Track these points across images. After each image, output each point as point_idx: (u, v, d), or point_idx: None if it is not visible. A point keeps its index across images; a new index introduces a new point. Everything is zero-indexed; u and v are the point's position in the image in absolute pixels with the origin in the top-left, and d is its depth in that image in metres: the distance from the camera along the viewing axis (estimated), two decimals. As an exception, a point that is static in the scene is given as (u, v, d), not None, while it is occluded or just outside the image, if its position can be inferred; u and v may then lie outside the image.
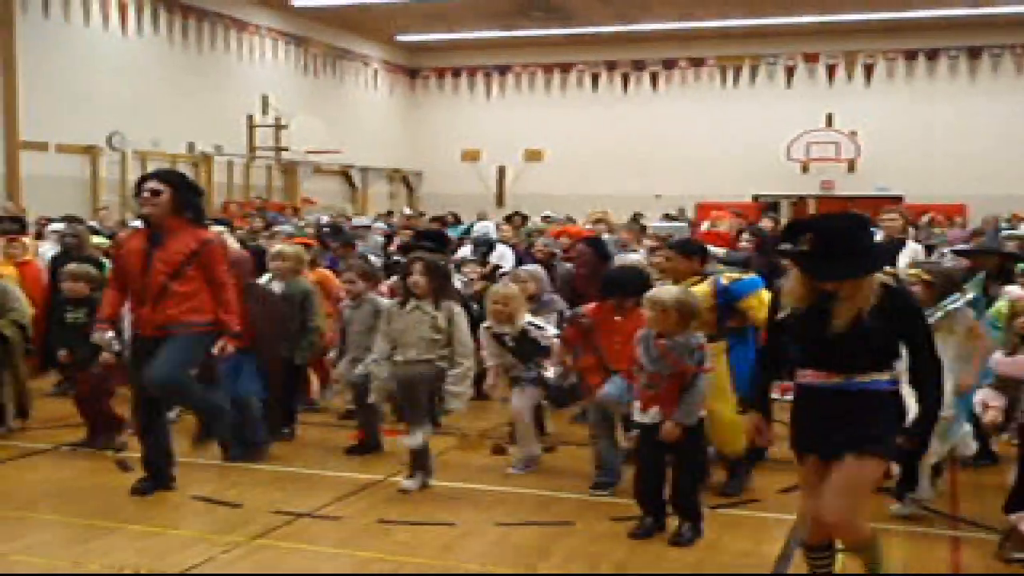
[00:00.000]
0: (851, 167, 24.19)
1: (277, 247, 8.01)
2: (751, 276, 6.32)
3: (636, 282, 6.15)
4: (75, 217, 12.29)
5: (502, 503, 5.99)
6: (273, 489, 6.21)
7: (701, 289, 6.00)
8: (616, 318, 6.07)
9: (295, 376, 7.72)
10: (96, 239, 10.04)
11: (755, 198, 24.38)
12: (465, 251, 10.92)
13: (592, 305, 6.38)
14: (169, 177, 6.09)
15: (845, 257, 3.86)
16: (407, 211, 18.04)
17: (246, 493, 6.07)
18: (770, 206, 23.60)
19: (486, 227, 13.08)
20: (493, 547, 5.25)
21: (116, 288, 6.18)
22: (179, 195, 5.93)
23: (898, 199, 22.69)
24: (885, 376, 4.00)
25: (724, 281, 6.10)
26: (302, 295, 7.54)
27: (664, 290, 5.53)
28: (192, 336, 5.93)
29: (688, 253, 6.29)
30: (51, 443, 7.31)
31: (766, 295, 5.75)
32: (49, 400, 8.62)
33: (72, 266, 7.73)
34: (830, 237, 3.89)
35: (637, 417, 5.40)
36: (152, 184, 5.92)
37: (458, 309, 6.23)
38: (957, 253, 8.93)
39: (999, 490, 5.74)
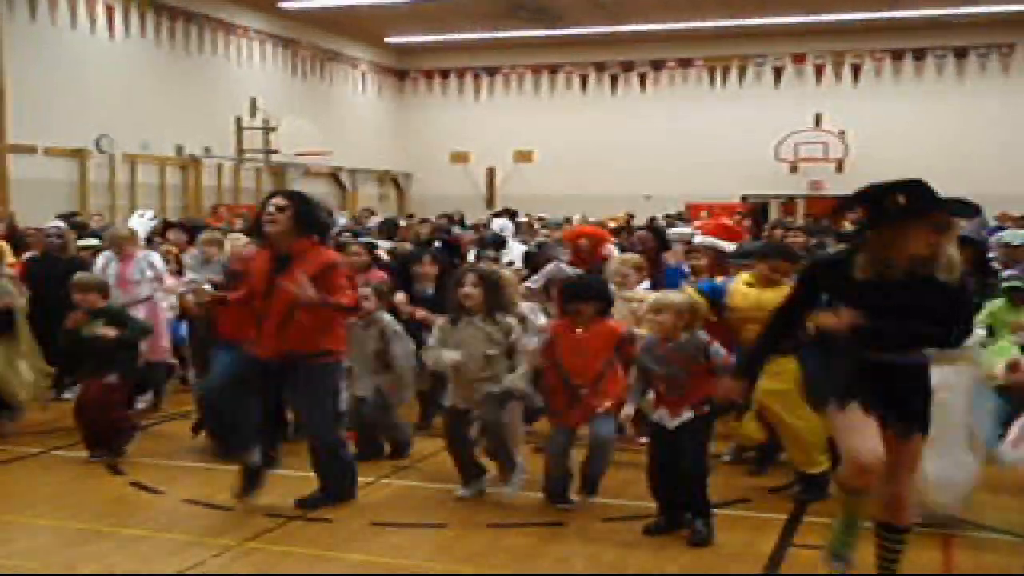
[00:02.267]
0: (840, 167, 24.25)
1: None
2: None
3: (597, 288, 6.01)
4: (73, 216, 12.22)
5: (494, 505, 5.97)
6: (264, 492, 6.18)
7: (784, 292, 5.95)
8: (578, 331, 5.83)
9: None
10: (88, 240, 9.82)
11: (744, 198, 24.45)
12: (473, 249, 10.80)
13: (553, 321, 6.22)
14: (292, 195, 5.91)
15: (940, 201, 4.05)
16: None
17: (239, 497, 6.04)
18: (760, 206, 23.71)
19: (501, 225, 13.01)
20: (486, 549, 5.24)
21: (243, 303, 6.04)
22: (302, 214, 5.74)
23: (887, 199, 22.79)
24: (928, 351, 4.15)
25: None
26: None
27: (673, 294, 5.55)
28: (323, 373, 5.82)
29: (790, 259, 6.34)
30: (42, 447, 7.28)
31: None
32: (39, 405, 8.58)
33: (80, 276, 7.43)
34: (920, 190, 4.09)
35: (663, 422, 5.35)
36: (277, 200, 5.77)
37: (515, 322, 5.94)
38: None
39: (991, 488, 5.77)
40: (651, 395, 5.55)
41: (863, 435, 4.03)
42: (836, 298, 4.13)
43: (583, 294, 5.87)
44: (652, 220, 17.70)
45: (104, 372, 6.93)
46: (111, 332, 6.89)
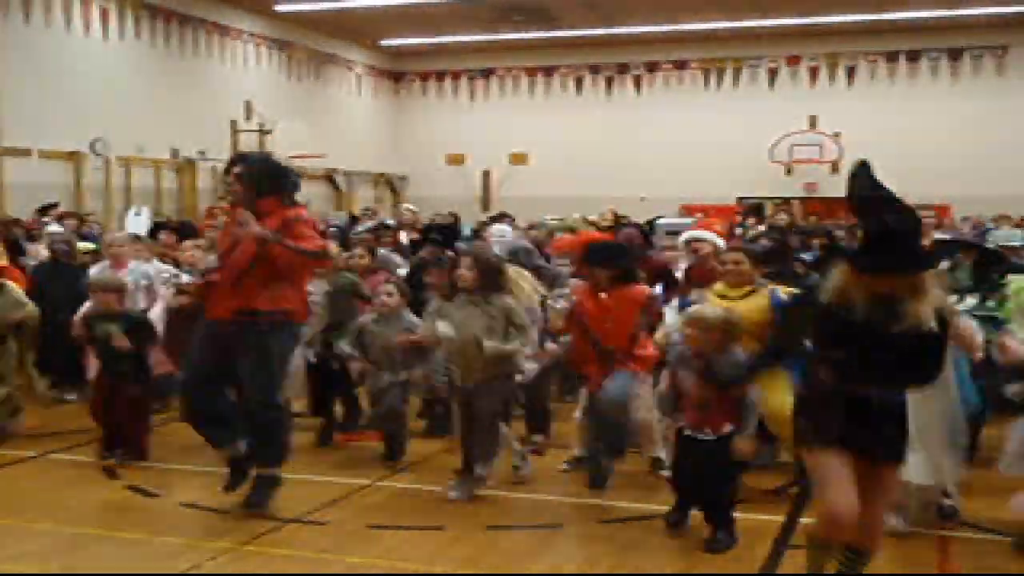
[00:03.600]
0: (834, 168, 24.26)
1: None
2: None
3: (620, 253, 6.07)
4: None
5: (491, 507, 5.97)
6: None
7: (757, 302, 5.93)
8: (601, 296, 5.91)
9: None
10: (83, 245, 9.75)
11: (739, 200, 24.46)
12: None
13: (577, 287, 6.29)
14: (249, 160, 5.99)
15: (902, 252, 3.83)
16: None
17: (233, 499, 6.03)
18: (754, 208, 23.69)
19: (504, 231, 12.88)
20: (482, 551, 5.24)
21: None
22: (251, 179, 5.73)
23: (881, 200, 22.80)
24: None
25: (783, 295, 5.94)
26: (351, 287, 7.49)
27: (708, 308, 5.44)
28: (272, 333, 5.70)
29: (758, 260, 6.22)
30: (38, 451, 7.27)
31: None
32: (35, 409, 8.55)
33: (98, 276, 7.39)
34: (883, 234, 3.85)
35: (690, 432, 5.31)
36: (236, 168, 5.82)
37: (511, 301, 5.98)
38: (937, 243, 8.82)
39: (986, 489, 5.78)
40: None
41: (841, 488, 3.93)
42: (827, 331, 4.01)
43: (595, 259, 5.95)
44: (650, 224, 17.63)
45: (125, 381, 6.88)
46: (124, 343, 6.85)
